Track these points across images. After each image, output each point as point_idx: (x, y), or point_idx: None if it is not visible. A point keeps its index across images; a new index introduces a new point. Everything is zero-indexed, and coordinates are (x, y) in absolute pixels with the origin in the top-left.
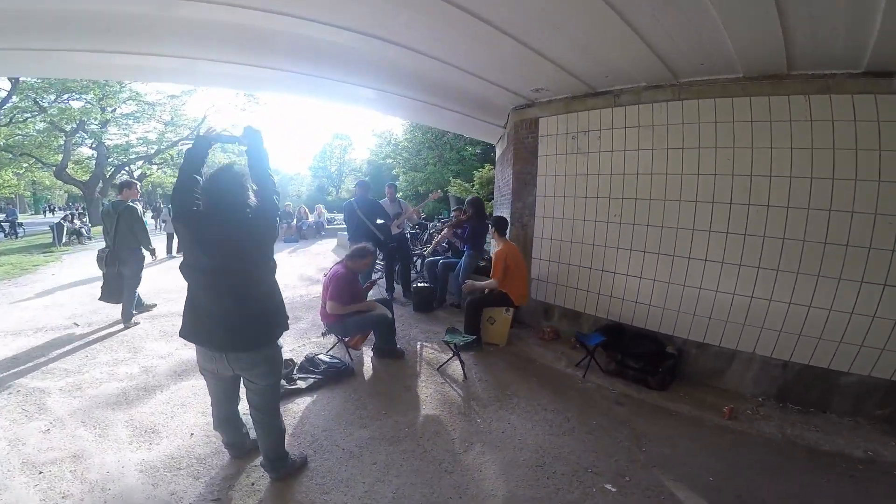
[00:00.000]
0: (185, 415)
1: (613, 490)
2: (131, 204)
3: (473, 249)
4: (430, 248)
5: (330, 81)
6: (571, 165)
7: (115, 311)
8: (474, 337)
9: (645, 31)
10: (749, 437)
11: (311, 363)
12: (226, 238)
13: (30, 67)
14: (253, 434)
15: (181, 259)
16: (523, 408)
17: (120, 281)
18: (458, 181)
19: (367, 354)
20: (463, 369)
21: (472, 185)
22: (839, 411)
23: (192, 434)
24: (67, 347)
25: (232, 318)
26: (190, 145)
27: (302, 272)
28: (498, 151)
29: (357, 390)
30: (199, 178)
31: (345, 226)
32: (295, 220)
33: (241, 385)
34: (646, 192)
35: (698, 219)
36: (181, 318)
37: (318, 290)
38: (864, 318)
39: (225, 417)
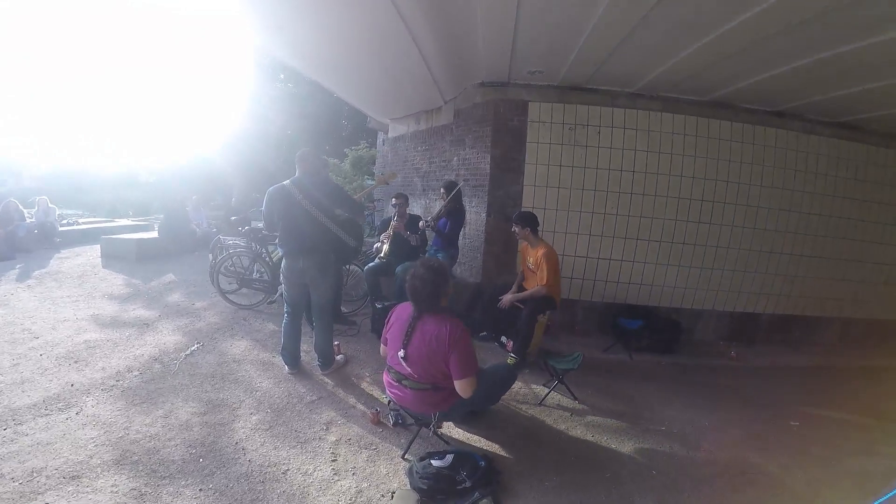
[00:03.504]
0: None
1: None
2: None
3: (453, 248)
4: (384, 248)
5: None
6: (567, 157)
7: None
8: (581, 354)
9: None
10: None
11: (445, 480)
12: None
13: None
14: None
15: None
16: (681, 403)
17: None
18: (332, 160)
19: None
20: (571, 392)
21: (343, 164)
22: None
23: None
24: None
25: None
26: None
27: (94, 313)
28: (410, 128)
29: (539, 480)
30: None
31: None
32: None
33: None
34: (640, 188)
35: (680, 212)
36: None
37: (175, 338)
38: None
39: None
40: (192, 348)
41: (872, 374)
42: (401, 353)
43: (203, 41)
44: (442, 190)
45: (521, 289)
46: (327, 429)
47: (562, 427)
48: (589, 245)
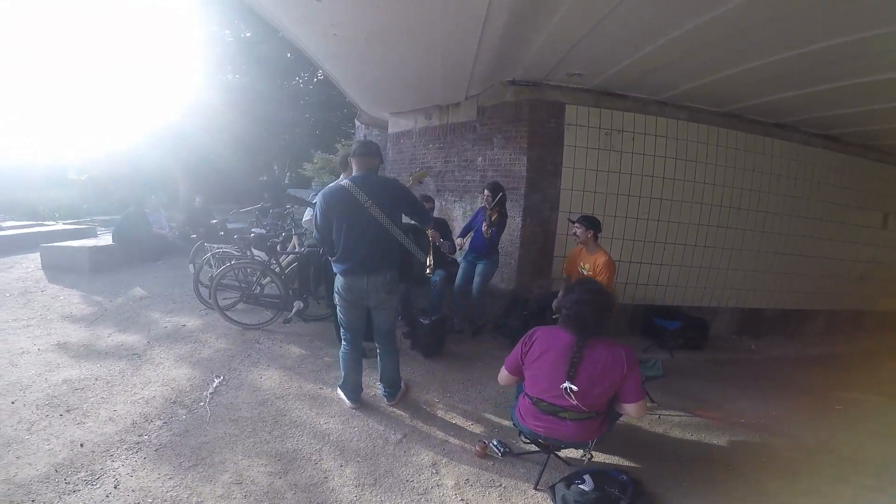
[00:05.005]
0: None
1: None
2: None
3: (496, 254)
4: (430, 262)
5: None
6: (604, 161)
7: None
8: (660, 360)
9: None
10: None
11: (605, 501)
12: None
13: None
14: None
15: None
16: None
17: None
18: (322, 154)
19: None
20: (650, 396)
21: (336, 156)
22: (767, 332)
23: None
24: None
25: None
26: None
27: (59, 341)
28: (417, 124)
29: (674, 483)
30: None
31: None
32: None
33: None
34: (668, 194)
35: (703, 217)
36: None
37: (182, 371)
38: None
39: None
40: (215, 384)
41: (867, 358)
42: (566, 385)
43: (143, 22)
44: (487, 193)
45: None
46: (437, 472)
47: (659, 430)
48: (622, 249)
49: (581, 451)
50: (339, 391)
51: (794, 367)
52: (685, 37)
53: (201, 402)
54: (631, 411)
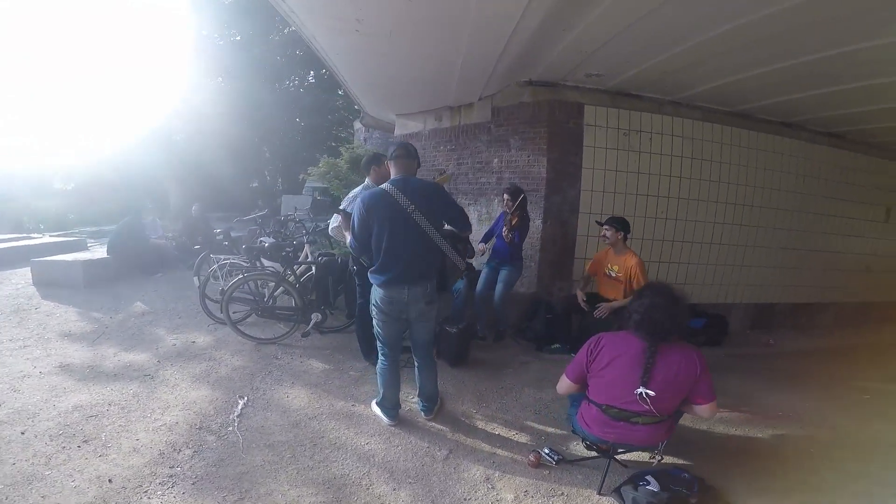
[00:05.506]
0: None
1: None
2: None
3: (519, 259)
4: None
5: None
6: (623, 161)
7: None
8: None
9: None
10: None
11: (678, 500)
12: None
13: None
14: None
15: None
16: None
17: None
18: (328, 158)
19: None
20: None
21: (341, 160)
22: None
23: None
24: None
25: None
26: None
27: (62, 362)
28: (427, 125)
29: (727, 477)
30: None
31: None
32: None
33: None
34: (685, 193)
35: (718, 215)
36: None
37: (202, 392)
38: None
39: None
40: (240, 406)
41: (879, 349)
42: (641, 391)
43: (131, 27)
44: (507, 197)
45: (597, 296)
46: (492, 486)
47: (703, 427)
48: (641, 248)
49: (648, 454)
50: (376, 408)
51: (812, 360)
52: (714, 40)
53: (230, 426)
54: (704, 412)
